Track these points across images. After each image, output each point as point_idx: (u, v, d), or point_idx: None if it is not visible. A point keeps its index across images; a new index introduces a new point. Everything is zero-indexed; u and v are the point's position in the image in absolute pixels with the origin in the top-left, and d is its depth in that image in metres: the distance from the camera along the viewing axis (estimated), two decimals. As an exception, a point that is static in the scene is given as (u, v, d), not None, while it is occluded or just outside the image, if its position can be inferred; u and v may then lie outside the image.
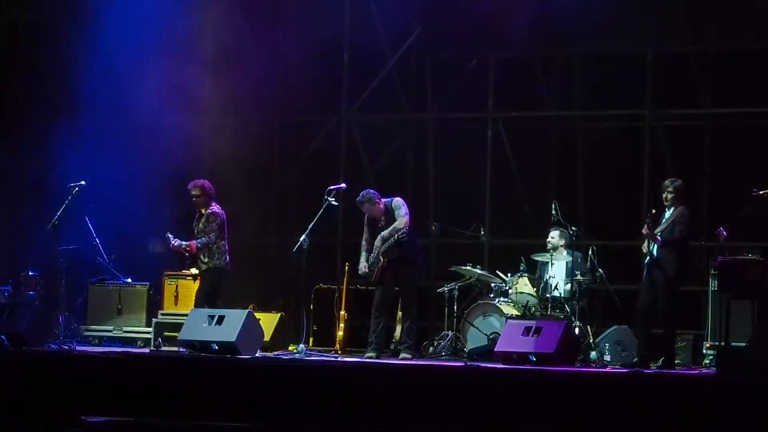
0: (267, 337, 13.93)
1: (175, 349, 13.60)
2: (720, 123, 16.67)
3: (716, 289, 13.84)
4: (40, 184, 16.99)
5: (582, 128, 17.26)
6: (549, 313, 14.43)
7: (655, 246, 13.14)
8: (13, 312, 13.80)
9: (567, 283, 14.68)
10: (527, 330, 12.70)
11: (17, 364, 12.74)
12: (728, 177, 16.08)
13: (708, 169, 16.57)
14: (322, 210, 13.93)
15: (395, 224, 13.81)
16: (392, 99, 17.84)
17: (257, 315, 13.73)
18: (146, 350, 14.42)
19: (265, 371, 12.30)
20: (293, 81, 18.25)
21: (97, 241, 15.89)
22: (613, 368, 13.26)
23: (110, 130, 17.17)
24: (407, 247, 13.84)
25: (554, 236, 14.93)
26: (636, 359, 13.19)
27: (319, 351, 14.01)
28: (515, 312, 14.46)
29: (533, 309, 14.59)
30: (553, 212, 14.74)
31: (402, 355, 13.83)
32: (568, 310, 14.48)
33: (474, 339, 14.40)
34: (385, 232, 13.81)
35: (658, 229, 13.15)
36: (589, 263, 14.84)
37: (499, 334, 13.39)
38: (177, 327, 13.78)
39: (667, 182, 13.35)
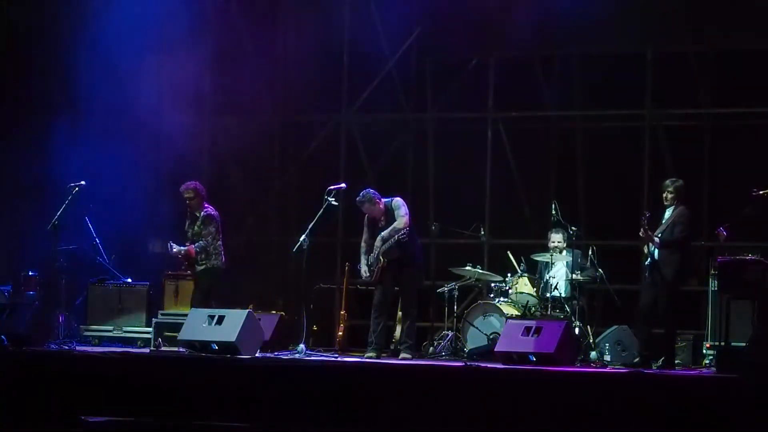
0: (267, 337, 13.92)
1: (175, 349, 13.60)
2: (720, 123, 16.67)
3: (716, 289, 13.83)
4: (40, 184, 16.98)
5: (582, 128, 17.26)
6: (549, 313, 14.43)
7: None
8: (13, 312, 13.81)
9: (567, 283, 14.68)
10: (527, 330, 12.71)
11: (17, 364, 12.74)
12: (728, 177, 16.08)
13: (708, 169, 16.57)
14: (322, 210, 13.93)
15: (395, 224, 13.81)
16: (392, 99, 17.84)
17: (257, 315, 13.73)
18: (146, 350, 14.42)
19: (265, 371, 12.30)
20: (293, 81, 18.26)
21: (97, 241, 15.89)
22: (613, 368, 13.26)
23: (110, 129, 17.16)
24: (407, 248, 13.84)
25: (560, 240, 14.90)
26: (637, 359, 13.19)
27: (319, 351, 14.00)
28: (515, 312, 14.46)
29: (533, 309, 14.59)
30: (553, 212, 14.73)
31: (402, 355, 13.83)
32: (568, 310, 14.48)
33: (474, 339, 14.40)
34: (385, 233, 13.81)
35: (658, 230, 13.16)
36: (589, 263, 14.84)
37: (499, 334, 13.40)
38: (177, 327, 13.77)
39: (667, 182, 13.36)
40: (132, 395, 12.22)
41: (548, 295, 14.62)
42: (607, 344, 14.52)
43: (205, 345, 13.03)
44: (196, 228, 14.16)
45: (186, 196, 14.18)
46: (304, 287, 15.05)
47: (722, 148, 16.52)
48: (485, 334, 14.28)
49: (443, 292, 15.09)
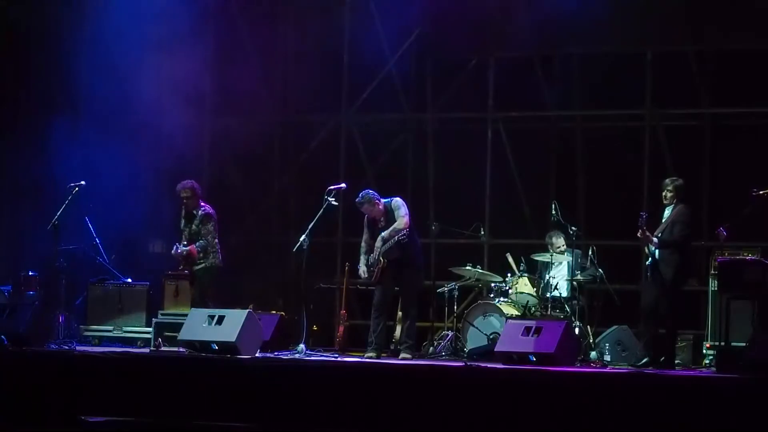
0: (267, 337, 13.91)
1: (175, 349, 13.60)
2: (720, 123, 16.67)
3: (716, 289, 13.83)
4: (40, 184, 16.99)
5: (582, 128, 17.26)
6: (549, 313, 14.43)
7: (656, 246, 13.17)
8: (13, 312, 13.80)
9: (567, 283, 14.68)
10: (527, 330, 12.71)
11: (17, 364, 12.73)
12: (728, 177, 16.08)
13: (708, 169, 16.56)
14: (322, 210, 13.93)
15: (395, 225, 13.81)
16: (392, 99, 17.84)
17: (257, 315, 13.72)
18: (146, 350, 14.41)
19: (265, 371, 12.30)
20: (293, 81, 18.26)
21: (97, 241, 15.89)
22: (613, 368, 13.26)
23: (110, 129, 17.17)
24: (407, 248, 13.84)
25: (562, 243, 14.91)
26: (646, 359, 13.16)
27: (319, 351, 14.00)
28: (515, 312, 14.46)
29: (533, 309, 14.59)
30: (553, 212, 14.73)
31: (402, 355, 13.83)
32: (568, 310, 14.48)
33: (474, 339, 14.40)
34: (385, 233, 13.81)
35: (658, 230, 13.16)
36: (589, 263, 14.84)
37: (499, 334, 13.40)
38: (177, 327, 13.76)
39: (667, 181, 13.36)
40: (132, 395, 12.22)
41: (548, 295, 14.62)
42: (607, 344, 14.53)
43: (205, 345, 13.03)
44: (194, 227, 14.16)
45: (183, 195, 14.17)
46: (304, 287, 15.05)
47: (722, 148, 16.52)
48: (485, 334, 14.28)
49: (443, 292, 15.10)
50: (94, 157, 16.82)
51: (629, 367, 13.39)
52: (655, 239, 13.08)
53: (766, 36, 16.12)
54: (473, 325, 14.44)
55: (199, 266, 14.16)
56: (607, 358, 14.33)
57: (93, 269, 16.03)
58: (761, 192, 13.23)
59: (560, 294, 14.68)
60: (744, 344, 12.46)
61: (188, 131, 18.03)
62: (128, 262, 16.40)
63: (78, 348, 13.77)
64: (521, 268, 15.05)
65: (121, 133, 17.16)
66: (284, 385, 11.94)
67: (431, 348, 14.92)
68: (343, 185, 14.36)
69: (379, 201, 13.94)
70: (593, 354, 14.13)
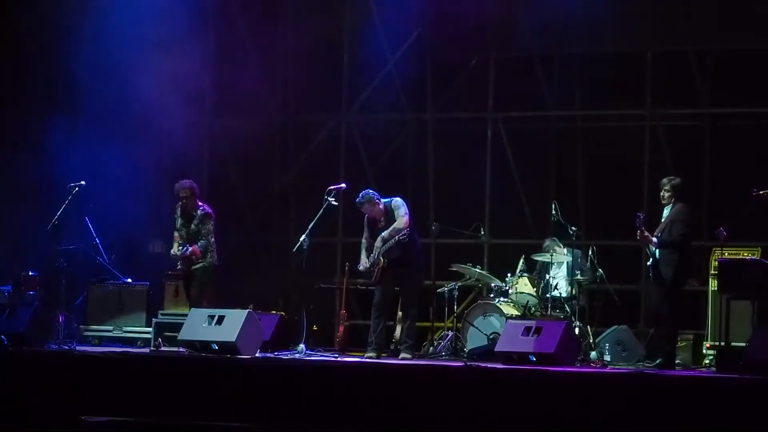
0: (267, 337, 13.92)
1: (175, 349, 13.60)
2: (720, 123, 16.66)
3: (716, 289, 13.83)
4: (40, 184, 16.99)
5: (582, 128, 17.25)
6: (549, 313, 14.43)
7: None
8: (13, 312, 13.80)
9: (567, 283, 14.68)
10: (527, 330, 12.70)
11: (17, 364, 12.73)
12: (728, 177, 16.08)
13: (708, 169, 16.56)
14: (322, 210, 13.93)
15: (395, 225, 13.80)
16: (392, 99, 17.85)
17: (257, 315, 13.72)
18: (146, 350, 14.41)
19: (265, 371, 12.30)
20: (293, 81, 18.27)
21: (97, 241, 15.89)
22: (613, 368, 13.26)
23: (110, 129, 17.18)
24: (408, 248, 13.83)
25: (556, 249, 14.95)
26: (659, 360, 13.16)
27: (319, 351, 14.00)
28: (515, 312, 14.46)
29: (533, 309, 14.59)
30: (553, 212, 14.73)
31: (402, 355, 13.83)
32: (568, 310, 14.48)
33: (474, 339, 14.40)
34: (385, 233, 13.80)
35: (658, 230, 13.15)
36: (589, 263, 14.85)
37: (499, 334, 13.40)
38: (177, 327, 13.76)
39: (664, 180, 13.35)
40: (132, 395, 12.22)
41: (548, 295, 14.62)
42: (607, 344, 14.53)
43: (205, 345, 13.03)
44: (193, 226, 14.14)
45: (182, 195, 14.15)
46: (304, 287, 15.07)
47: (722, 148, 16.51)
48: (485, 334, 14.28)
49: (443, 292, 15.10)
50: (94, 157, 16.83)
51: (632, 367, 13.41)
52: (654, 239, 13.08)
53: (766, 36, 16.13)
54: (473, 325, 14.44)
55: (198, 266, 14.14)
56: (607, 358, 14.33)
57: (93, 269, 16.03)
58: (761, 192, 13.23)
59: (560, 294, 14.68)
60: (744, 344, 12.46)
61: (188, 131, 18.04)
62: (128, 262, 16.40)
63: (78, 348, 13.77)
64: (521, 268, 15.05)
65: (121, 133, 17.17)
66: (284, 385, 11.93)
67: (431, 348, 14.92)
68: (343, 185, 14.36)
69: (379, 201, 13.94)
70: (593, 354, 14.13)
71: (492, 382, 11.61)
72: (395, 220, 13.83)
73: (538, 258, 15.11)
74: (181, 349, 13.33)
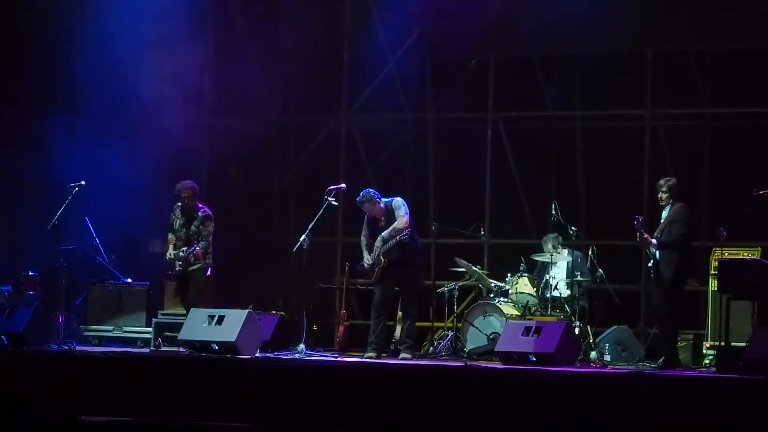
0: (267, 337, 13.91)
1: (175, 349, 13.60)
2: (720, 123, 16.66)
3: (716, 289, 13.83)
4: (39, 184, 16.99)
5: (582, 128, 17.25)
6: (549, 313, 14.43)
7: (656, 246, 13.18)
8: (13, 312, 13.80)
9: (567, 283, 14.68)
10: (527, 330, 12.71)
11: (17, 364, 12.73)
12: (728, 177, 16.07)
13: (708, 169, 16.56)
14: (322, 210, 13.94)
15: (395, 224, 13.80)
16: (392, 99, 17.84)
17: (257, 315, 13.72)
18: (146, 350, 14.41)
19: (265, 371, 12.30)
20: (293, 81, 18.26)
21: (97, 241, 15.90)
22: (613, 368, 13.26)
23: (110, 129, 17.18)
24: (408, 248, 13.84)
25: (548, 248, 15.03)
26: (661, 360, 13.17)
27: (319, 351, 14.00)
28: (515, 312, 14.46)
29: (533, 309, 14.59)
30: (553, 212, 14.74)
31: (402, 355, 13.83)
32: (568, 310, 14.48)
33: (474, 339, 14.40)
34: (385, 233, 13.80)
35: (657, 231, 13.16)
36: (589, 263, 14.84)
37: (499, 334, 13.40)
38: (177, 327, 13.77)
39: (661, 182, 13.36)
40: (132, 395, 12.22)
41: (548, 295, 14.62)
42: (607, 344, 14.53)
43: (205, 345, 13.03)
44: (193, 227, 14.13)
45: (184, 195, 14.14)
46: (304, 287, 15.07)
47: (722, 148, 16.51)
48: (485, 334, 14.29)
49: (443, 292, 15.10)
50: (94, 157, 16.83)
51: (632, 367, 13.41)
52: (653, 241, 13.08)
53: (766, 36, 16.12)
54: (473, 325, 14.44)
55: (196, 267, 14.14)
56: (607, 358, 14.33)
57: (93, 269, 16.04)
58: (761, 192, 13.22)
59: (560, 294, 14.68)
60: (744, 344, 12.46)
61: (188, 131, 18.05)
62: (128, 262, 16.40)
63: (78, 348, 13.77)
64: (521, 268, 15.05)
65: (121, 133, 17.17)
66: (284, 385, 11.93)
67: (431, 348, 14.92)
68: (343, 185, 14.37)
69: (380, 200, 13.95)
70: (593, 354, 14.13)
71: (492, 382, 11.61)
72: (395, 220, 13.83)
73: (538, 258, 15.11)
74: (181, 349, 13.33)
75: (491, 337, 14.11)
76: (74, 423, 12.11)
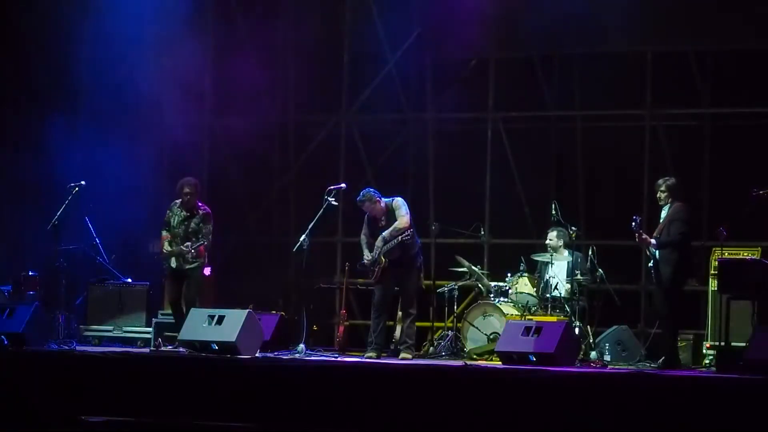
0: (267, 337, 13.91)
1: (176, 349, 13.60)
2: (720, 123, 16.66)
3: (716, 289, 13.83)
4: (39, 184, 16.99)
5: (582, 128, 17.24)
6: (549, 313, 14.43)
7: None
8: (13, 312, 13.80)
9: (567, 283, 14.68)
10: (527, 330, 12.71)
11: (17, 364, 12.73)
12: (728, 177, 16.07)
13: (708, 169, 16.56)
14: (322, 210, 13.94)
15: (396, 224, 13.80)
16: (392, 99, 17.84)
17: (257, 315, 13.72)
18: (146, 350, 14.41)
19: (265, 371, 12.30)
20: (293, 81, 18.26)
21: (97, 241, 15.90)
22: (613, 368, 13.26)
23: (110, 129, 17.17)
24: (408, 248, 13.85)
25: (552, 237, 14.96)
26: (662, 360, 13.17)
27: (319, 351, 14.00)
28: (515, 312, 14.46)
29: (533, 309, 14.59)
30: (553, 212, 14.74)
31: (402, 355, 13.83)
32: (568, 310, 14.48)
33: (474, 339, 14.40)
34: (386, 233, 13.80)
35: (657, 231, 13.16)
36: (589, 263, 14.84)
37: (499, 334, 13.40)
38: (177, 327, 13.77)
39: (659, 181, 13.37)
40: (132, 395, 12.22)
41: (548, 295, 14.61)
42: (607, 344, 14.53)
43: (205, 345, 13.03)
44: (193, 224, 14.12)
45: (187, 190, 14.14)
46: (304, 287, 15.07)
47: (722, 148, 16.51)
48: (485, 334, 14.29)
49: (443, 292, 15.10)
50: (94, 157, 16.83)
51: (632, 367, 13.41)
52: (653, 241, 13.09)
53: (766, 36, 16.12)
54: (473, 325, 14.44)
55: (193, 265, 14.13)
56: (607, 358, 14.33)
57: (93, 269, 16.04)
58: (761, 192, 13.23)
59: (560, 294, 14.67)
60: (744, 344, 12.46)
61: (188, 131, 18.05)
62: (128, 262, 16.40)
63: (78, 348, 13.77)
64: (521, 268, 15.05)
65: (121, 133, 17.17)
66: (284, 385, 11.93)
67: (431, 348, 14.92)
68: (343, 185, 14.38)
69: (380, 199, 13.95)
70: (593, 354, 14.13)
71: (492, 382, 11.61)
72: (396, 220, 13.83)
73: (538, 258, 15.11)
74: (181, 349, 13.33)
75: (491, 337, 14.11)
76: (74, 423, 12.10)
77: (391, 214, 13.91)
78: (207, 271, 15.42)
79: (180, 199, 14.19)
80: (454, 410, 11.36)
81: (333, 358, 13.41)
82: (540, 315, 14.33)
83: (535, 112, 17.47)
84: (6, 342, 13.45)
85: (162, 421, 12.00)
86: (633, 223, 13.08)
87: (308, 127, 18.35)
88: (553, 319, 14.00)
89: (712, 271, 14.08)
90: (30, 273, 15.97)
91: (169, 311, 14.97)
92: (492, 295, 14.91)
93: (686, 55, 16.51)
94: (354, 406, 11.65)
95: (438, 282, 15.44)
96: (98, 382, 12.35)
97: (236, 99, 18.00)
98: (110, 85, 17.25)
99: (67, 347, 13.71)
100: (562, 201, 15.30)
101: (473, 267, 15.18)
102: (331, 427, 11.61)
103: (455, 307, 15.07)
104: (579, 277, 14.59)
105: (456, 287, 15.10)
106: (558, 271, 14.89)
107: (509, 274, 15.07)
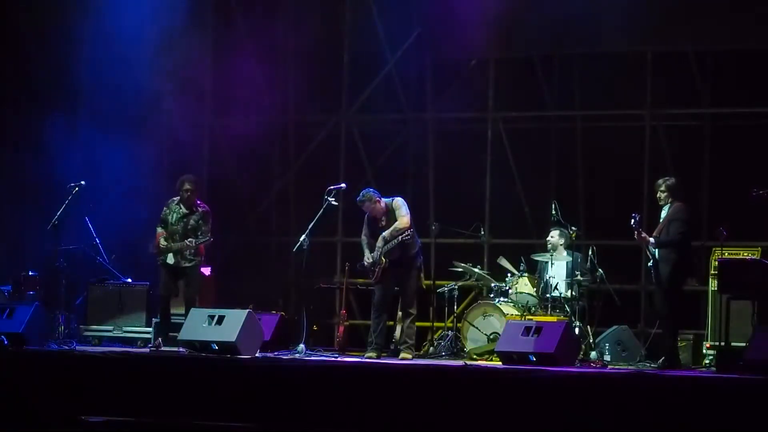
0: (267, 337, 13.92)
1: (175, 349, 13.60)
2: (720, 123, 16.66)
3: (716, 289, 13.83)
4: (39, 183, 16.99)
5: (582, 128, 17.25)
6: (549, 313, 14.43)
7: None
8: (13, 312, 13.80)
9: (567, 283, 14.68)
10: (527, 330, 12.71)
11: (17, 364, 12.73)
12: (728, 177, 16.08)
13: (708, 169, 16.56)
14: (322, 210, 13.94)
15: (396, 224, 13.81)
16: (392, 99, 17.84)
17: (257, 315, 13.72)
18: (146, 350, 14.41)
19: (265, 371, 12.30)
20: (293, 81, 18.26)
21: (97, 241, 15.90)
22: (613, 368, 13.26)
23: (110, 129, 17.17)
24: (408, 248, 13.85)
25: (554, 236, 14.95)
26: (662, 360, 13.18)
27: (319, 351, 14.00)
28: (515, 312, 14.46)
29: (533, 309, 14.59)
30: (553, 212, 14.74)
31: (402, 355, 13.83)
32: (568, 310, 14.48)
33: (474, 339, 14.40)
34: (386, 233, 13.80)
35: (656, 230, 13.17)
36: (589, 263, 14.84)
37: (499, 334, 13.40)
38: (177, 327, 13.77)
39: (659, 181, 13.38)
40: (132, 395, 12.22)
41: (548, 295, 14.61)
42: (607, 344, 14.53)
43: (205, 345, 13.03)
44: (192, 222, 14.12)
45: (188, 187, 14.13)
46: (304, 287, 15.07)
47: (722, 148, 16.51)
48: (485, 334, 14.29)
49: (443, 292, 15.10)
50: (94, 157, 16.83)
51: (632, 367, 13.42)
52: (652, 240, 13.09)
53: (766, 36, 16.12)
54: (473, 325, 14.44)
55: (191, 264, 14.13)
56: (607, 358, 14.33)
57: (93, 269, 16.03)
58: (761, 192, 13.23)
59: (560, 294, 14.67)
60: (744, 344, 12.46)
61: (188, 131, 18.05)
62: (128, 262, 16.39)
63: (78, 348, 13.77)
64: (521, 268, 15.04)
65: (121, 132, 17.16)
66: (284, 385, 11.93)
67: (431, 348, 14.92)
68: (343, 185, 14.37)
69: (380, 199, 13.95)
70: (593, 354, 14.13)
71: (492, 382, 11.61)
72: (396, 220, 13.83)
73: (538, 258, 15.11)
74: (181, 349, 13.33)
75: (491, 337, 14.11)
76: (74, 423, 12.11)
77: (391, 214, 13.91)
78: (207, 271, 15.45)
79: (178, 197, 14.19)
80: (454, 410, 11.36)
81: (333, 358, 13.41)
82: (540, 315, 14.32)
83: (535, 112, 17.47)
84: (6, 342, 13.45)
85: (162, 421, 12.00)
86: (632, 221, 13.09)
87: (308, 127, 18.35)
88: (553, 319, 14.00)
89: (712, 271, 14.08)
90: (30, 273, 15.97)
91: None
92: (492, 295, 14.91)
93: (686, 55, 16.51)
94: (354, 406, 11.65)
95: (438, 282, 15.44)
96: (98, 382, 12.36)
97: (236, 99, 18.01)
98: (110, 85, 17.25)
99: (67, 347, 13.71)
100: (562, 201, 15.29)
101: (473, 269, 15.16)
102: (331, 427, 11.61)
103: (455, 307, 15.07)
104: (579, 277, 14.59)
105: (456, 287, 15.10)
106: (558, 271, 14.89)
107: (509, 274, 15.07)
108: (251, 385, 12.05)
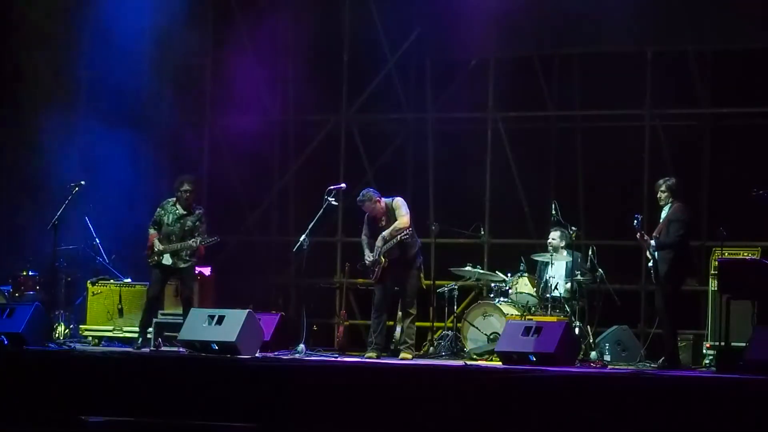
0: (267, 337, 13.92)
1: (175, 349, 13.60)
2: (720, 123, 16.66)
3: (716, 289, 13.83)
4: (39, 183, 17.00)
5: (582, 128, 17.25)
6: (549, 313, 14.43)
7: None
8: (13, 312, 13.80)
9: (567, 283, 14.68)
10: (527, 330, 12.71)
11: (17, 364, 12.73)
12: (728, 177, 16.08)
13: (708, 169, 16.56)
14: (322, 210, 13.94)
15: (396, 224, 13.81)
16: (392, 99, 17.84)
17: (257, 315, 13.72)
18: (146, 350, 14.41)
19: (265, 371, 12.29)
20: (293, 81, 18.26)
21: (97, 241, 15.90)
22: (613, 368, 13.26)
23: (110, 129, 17.17)
24: (408, 248, 13.85)
25: (555, 237, 14.94)
26: (662, 360, 13.19)
27: (319, 351, 14.00)
28: (515, 312, 14.46)
29: (533, 309, 14.59)
30: (553, 212, 14.74)
31: (402, 355, 13.83)
32: (568, 310, 14.48)
33: (474, 339, 14.40)
34: (386, 233, 13.80)
35: (656, 230, 13.17)
36: (589, 263, 14.84)
37: (499, 334, 13.40)
38: (177, 327, 13.77)
39: (660, 182, 13.39)
40: (132, 395, 12.21)
41: (548, 295, 14.61)
42: (607, 344, 14.53)
43: (205, 345, 13.04)
44: (189, 223, 14.11)
45: (188, 188, 14.13)
46: (304, 287, 15.08)
47: (722, 148, 16.51)
48: (485, 334, 14.29)
49: (443, 292, 15.10)
50: (93, 156, 16.83)
51: (632, 367, 13.42)
52: (652, 241, 13.09)
53: (766, 36, 16.12)
54: (473, 325, 14.44)
55: (187, 264, 14.12)
56: (607, 358, 14.33)
57: (93, 269, 16.03)
58: (761, 192, 13.23)
59: (560, 294, 14.67)
60: (744, 344, 12.46)
61: (188, 131, 18.04)
62: (128, 262, 16.40)
63: (78, 348, 13.76)
64: (521, 268, 15.05)
65: (121, 132, 17.16)
66: (284, 385, 11.93)
67: (431, 348, 14.92)
68: (343, 185, 14.38)
69: (380, 199, 13.95)
70: (593, 354, 14.13)
71: (492, 382, 11.60)
72: (396, 220, 13.84)
73: (538, 258, 15.11)
74: (181, 349, 13.33)
75: (491, 337, 14.11)
76: (74, 423, 12.10)
77: (391, 214, 13.91)
78: (207, 270, 15.45)
79: (173, 197, 14.18)
80: (454, 410, 11.35)
81: (333, 358, 13.41)
82: (540, 315, 14.32)
83: (535, 112, 17.47)
84: (6, 342, 13.45)
85: (162, 421, 12.00)
86: (635, 221, 13.10)
87: (308, 127, 18.35)
88: (553, 319, 14.00)
89: (712, 271, 14.09)
90: (30, 273, 15.97)
91: (170, 311, 15.01)
92: (492, 295, 14.91)
93: (686, 55, 16.51)
94: (354, 406, 11.64)
95: (438, 282, 15.44)
96: (98, 382, 12.35)
97: (236, 99, 18.00)
98: (110, 84, 17.25)
99: (67, 347, 13.71)
100: (562, 201, 15.29)
101: (473, 269, 15.15)
102: (331, 427, 11.61)
103: (455, 307, 15.07)
104: (579, 277, 14.59)
105: (456, 287, 15.10)
106: (558, 271, 14.89)
107: (509, 274, 15.07)
108: (251, 385, 12.04)
